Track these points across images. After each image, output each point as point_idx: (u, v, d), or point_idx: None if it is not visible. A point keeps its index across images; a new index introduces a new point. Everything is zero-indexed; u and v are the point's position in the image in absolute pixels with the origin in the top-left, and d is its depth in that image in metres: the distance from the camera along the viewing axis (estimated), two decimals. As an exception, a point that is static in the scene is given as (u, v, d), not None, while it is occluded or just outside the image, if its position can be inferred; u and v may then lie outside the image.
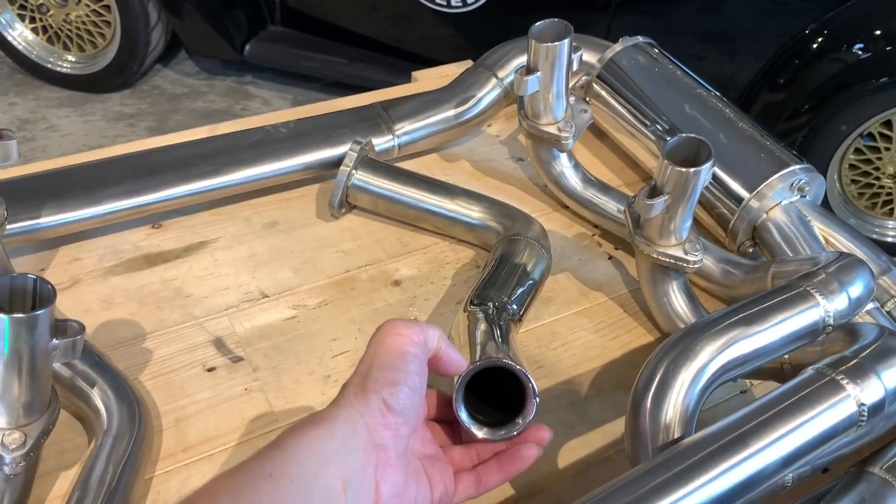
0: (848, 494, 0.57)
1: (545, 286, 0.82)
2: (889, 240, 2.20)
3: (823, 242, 0.80)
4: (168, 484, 0.63)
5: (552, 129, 0.85)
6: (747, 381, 0.75)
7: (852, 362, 0.52)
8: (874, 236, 2.20)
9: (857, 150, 2.11)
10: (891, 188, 2.15)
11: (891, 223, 2.20)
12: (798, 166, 0.82)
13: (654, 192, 0.70)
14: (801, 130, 2.09)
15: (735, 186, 0.83)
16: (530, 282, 0.74)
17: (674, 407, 0.52)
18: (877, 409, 0.51)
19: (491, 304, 0.68)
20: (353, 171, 0.83)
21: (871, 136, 2.10)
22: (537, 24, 0.79)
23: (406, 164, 0.95)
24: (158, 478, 0.63)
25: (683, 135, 0.68)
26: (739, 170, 0.84)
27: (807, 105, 2.08)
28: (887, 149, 2.08)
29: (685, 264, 0.73)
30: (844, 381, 0.50)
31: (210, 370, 0.71)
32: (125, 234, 0.83)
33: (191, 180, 0.83)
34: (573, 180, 0.89)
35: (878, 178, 2.14)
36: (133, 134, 2.47)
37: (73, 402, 0.65)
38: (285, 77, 2.72)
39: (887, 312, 0.76)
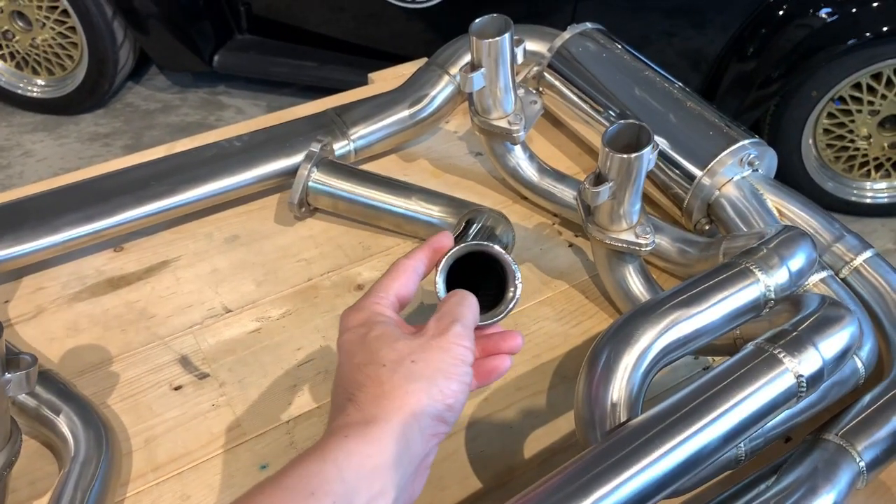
0: (802, 463, 0.58)
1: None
2: (867, 201, 2.21)
3: (777, 214, 0.81)
4: (139, 504, 0.64)
5: (503, 123, 0.86)
6: (709, 357, 0.76)
7: (791, 335, 0.53)
8: (853, 198, 2.21)
9: (830, 115, 2.12)
10: (866, 150, 2.16)
11: (868, 184, 2.21)
12: (747, 141, 0.83)
13: (599, 179, 0.70)
14: (773, 99, 2.09)
15: (687, 165, 0.84)
16: (500, 244, 0.75)
17: (618, 391, 0.53)
18: (815, 379, 0.52)
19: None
20: (313, 169, 0.84)
21: (842, 99, 2.11)
22: (477, 20, 0.79)
23: (364, 167, 0.95)
24: (130, 499, 0.64)
25: (623, 121, 0.69)
26: (690, 149, 0.84)
27: (777, 73, 2.08)
28: (859, 111, 2.09)
29: (638, 248, 0.74)
30: (782, 355, 0.51)
31: (177, 388, 0.72)
32: (88, 259, 0.84)
33: (147, 201, 0.83)
34: (529, 171, 0.90)
35: (852, 141, 2.15)
36: (109, 153, 2.46)
37: (41, 432, 0.66)
38: (258, 84, 2.72)
39: (842, 279, 0.77)
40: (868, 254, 0.77)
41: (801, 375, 0.51)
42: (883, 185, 2.21)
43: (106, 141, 2.53)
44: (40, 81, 2.54)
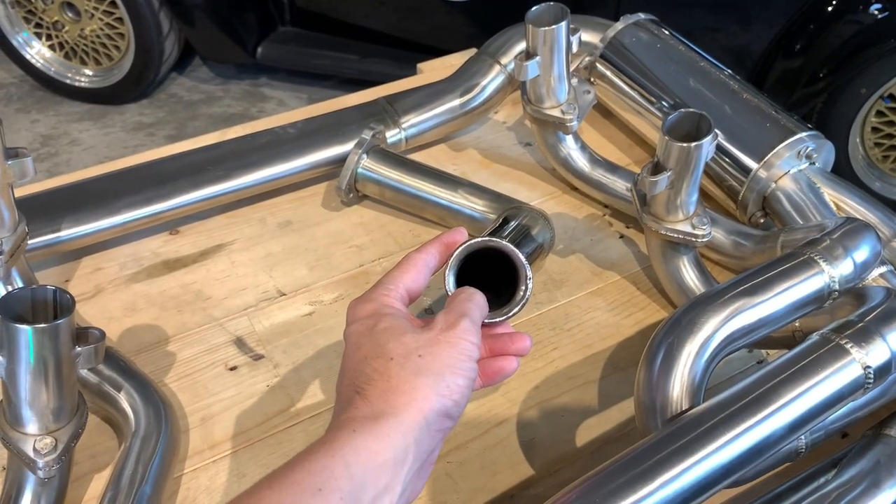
0: (864, 457, 0.57)
1: (556, 269, 0.83)
2: (914, 200, 2.17)
3: (834, 208, 0.80)
4: (197, 481, 0.65)
5: (556, 112, 0.86)
6: (763, 351, 0.75)
7: (858, 326, 0.52)
8: (898, 197, 2.17)
9: (879, 113, 2.08)
10: (915, 148, 2.11)
11: (914, 183, 2.16)
12: (805, 133, 0.82)
13: (657, 168, 0.70)
14: (820, 96, 2.06)
15: (743, 158, 0.83)
16: (534, 244, 0.74)
17: (680, 379, 0.52)
18: (883, 370, 0.51)
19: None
20: (363, 155, 0.85)
21: (892, 97, 2.06)
22: (534, 8, 0.79)
23: (414, 157, 0.96)
24: (188, 475, 0.65)
25: (683, 110, 0.69)
26: (746, 141, 0.83)
27: (824, 70, 2.05)
28: (909, 109, 2.05)
29: (694, 239, 0.73)
30: (849, 345, 0.50)
31: (232, 369, 0.73)
32: (144, 241, 0.85)
33: (203, 186, 0.84)
34: (580, 162, 0.90)
35: (901, 140, 2.11)
36: (152, 143, 2.50)
37: (102, 407, 0.67)
38: (299, 77, 2.74)
39: (901, 276, 0.75)
40: (929, 249, 0.75)
41: (868, 366, 0.50)
42: (931, 184, 2.16)
43: (150, 131, 2.56)
44: (88, 71, 2.58)
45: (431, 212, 0.86)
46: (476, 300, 0.53)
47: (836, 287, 0.57)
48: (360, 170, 0.85)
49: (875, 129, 2.10)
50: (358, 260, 0.84)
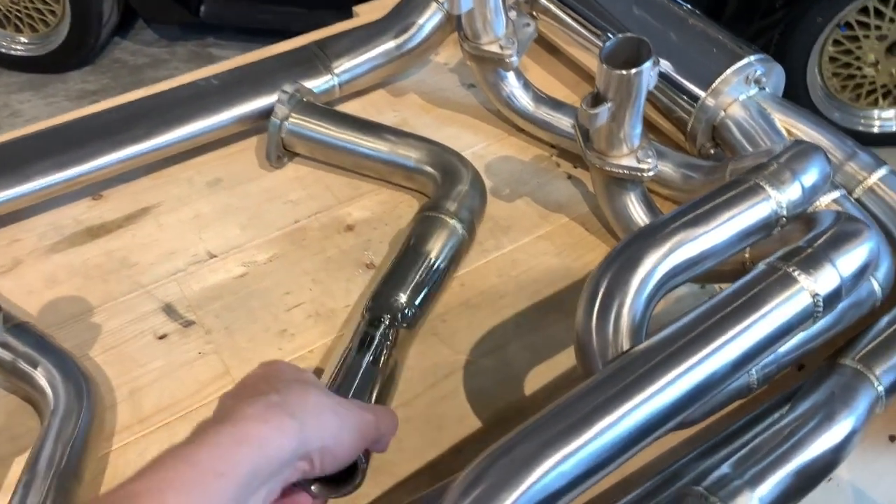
0: (818, 389, 0.55)
1: (502, 214, 0.80)
2: (875, 130, 2.15)
3: (786, 134, 0.77)
4: (126, 457, 0.62)
5: (494, 48, 0.81)
6: (717, 286, 0.72)
7: (806, 252, 0.49)
8: (860, 128, 2.15)
9: (836, 42, 2.05)
10: (873, 77, 2.09)
11: (876, 112, 2.15)
12: (753, 57, 0.78)
13: (597, 100, 0.66)
14: (777, 27, 2.02)
15: (689, 86, 0.79)
16: (436, 271, 0.68)
17: (621, 318, 0.49)
18: (833, 298, 0.48)
19: (384, 318, 0.64)
20: (283, 123, 0.80)
21: (848, 25, 2.03)
22: (462, -64, 0.74)
23: (351, 104, 0.91)
24: (115, 452, 0.62)
25: (622, 35, 0.64)
26: (693, 68, 0.80)
27: (780, 0, 2.01)
28: (866, 36, 2.02)
29: (639, 173, 0.70)
30: (796, 273, 0.48)
31: (161, 337, 0.69)
32: (65, 208, 0.80)
33: (123, 146, 0.79)
34: (523, 100, 0.85)
35: (859, 69, 2.08)
36: (98, 111, 2.41)
37: (19, 386, 0.63)
38: (247, 35, 2.64)
39: (855, 199, 0.73)
40: (882, 171, 0.73)
41: (817, 294, 0.48)
42: (891, 112, 2.14)
43: (95, 98, 2.46)
44: (23, 39, 2.47)
45: (367, 168, 0.81)
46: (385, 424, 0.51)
47: (784, 213, 0.54)
48: (287, 127, 0.80)
49: (833, 59, 2.07)
50: (293, 216, 0.80)
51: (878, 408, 0.57)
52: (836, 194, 0.71)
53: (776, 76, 0.81)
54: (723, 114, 0.78)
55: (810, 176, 0.55)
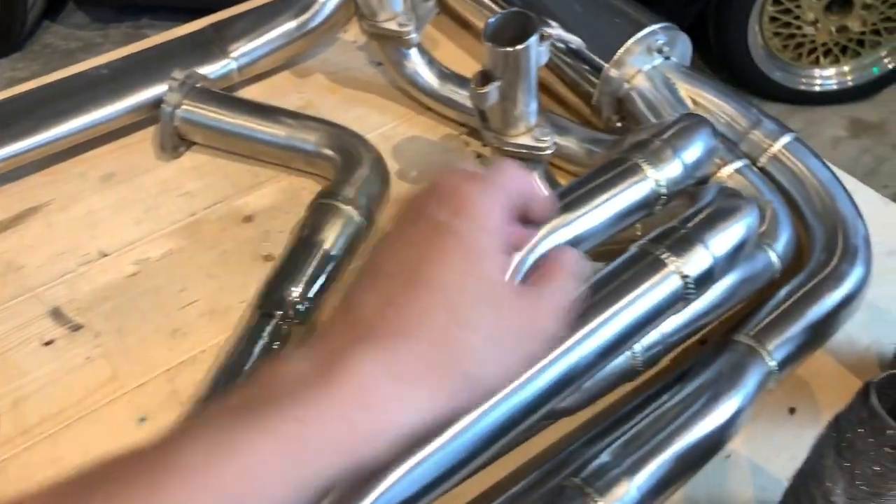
0: (707, 368, 0.54)
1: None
2: (817, 89, 2.16)
3: (691, 104, 0.75)
4: (6, 473, 0.59)
5: (391, 26, 0.78)
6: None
7: (678, 233, 0.48)
8: (802, 87, 2.16)
9: (776, 2, 2.04)
10: (813, 36, 2.09)
11: (817, 71, 2.15)
12: (656, 25, 0.76)
13: (486, 78, 0.64)
14: (717, -13, 2.01)
15: (593, 58, 0.77)
16: (332, 262, 0.66)
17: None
18: (705, 278, 0.47)
19: (275, 314, 0.61)
20: (175, 110, 0.76)
21: (787, -17, 2.03)
22: None
23: (253, 88, 0.88)
24: (-4, 467, 0.59)
25: (506, 10, 0.62)
26: (596, 40, 0.77)
27: (719, -40, 2.00)
28: (805, -6, 2.01)
29: (538, 152, 0.68)
30: (665, 256, 0.46)
31: (48, 343, 0.67)
32: (-51, 211, 0.76)
33: (9, 141, 0.76)
34: (428, 78, 0.83)
35: (799, 28, 2.08)
36: (30, 99, 2.33)
37: None
38: (183, 14, 2.57)
39: (760, 168, 0.72)
40: (787, 138, 0.72)
41: (687, 276, 0.46)
42: (831, 71, 2.15)
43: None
44: (-53, 27, 2.38)
45: (266, 153, 0.78)
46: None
47: (664, 191, 0.52)
48: (180, 115, 0.77)
49: (773, 19, 2.06)
50: (189, 208, 0.77)
51: (771, 383, 0.56)
52: (738, 164, 0.70)
53: (682, 45, 0.79)
54: (626, 85, 0.76)
55: (692, 152, 0.54)
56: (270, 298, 0.63)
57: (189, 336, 0.67)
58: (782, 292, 0.61)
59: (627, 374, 0.52)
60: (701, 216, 0.49)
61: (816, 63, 2.14)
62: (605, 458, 0.47)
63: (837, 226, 0.66)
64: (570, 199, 0.50)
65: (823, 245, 0.66)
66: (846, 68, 2.14)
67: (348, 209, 0.68)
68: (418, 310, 0.30)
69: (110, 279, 0.71)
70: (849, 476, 0.42)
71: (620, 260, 0.48)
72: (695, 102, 0.75)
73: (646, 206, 0.51)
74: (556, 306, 0.34)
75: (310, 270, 0.64)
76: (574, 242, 0.50)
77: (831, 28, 2.08)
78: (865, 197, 0.76)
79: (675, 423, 0.48)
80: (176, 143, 0.79)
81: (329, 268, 0.65)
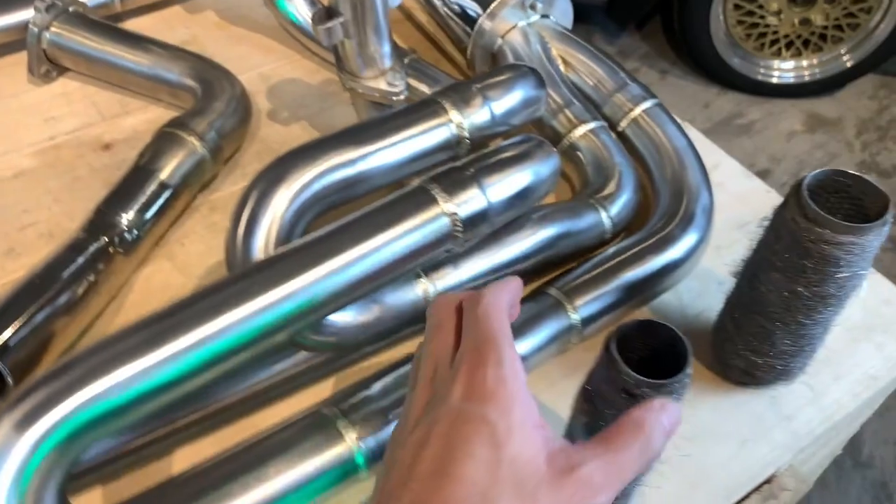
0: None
1: (276, 138, 0.77)
2: (774, 80, 2.15)
3: (562, 64, 0.75)
4: None
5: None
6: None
7: (461, 174, 0.47)
8: (759, 77, 2.15)
9: (742, -11, 2.03)
10: (776, 26, 2.08)
11: (776, 63, 2.14)
12: (533, -19, 0.75)
13: (329, 14, 0.63)
14: (682, -30, 1.99)
15: (469, 8, 0.76)
16: (166, 191, 0.65)
17: (264, 237, 0.47)
18: (475, 220, 0.47)
19: (100, 238, 0.60)
20: (43, 33, 0.75)
21: (752, -29, 2.01)
22: None
23: (142, 19, 0.87)
24: None
25: (349, -56, 0.61)
26: (474, -8, 0.77)
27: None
28: (768, -17, 2.00)
29: (390, 97, 0.67)
30: (437, 192, 0.46)
31: None
32: None
33: None
34: (304, 16, 0.82)
35: (762, 17, 2.07)
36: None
37: None
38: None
39: (620, 131, 0.71)
40: (648, 104, 0.71)
41: (455, 215, 0.46)
42: (790, 64, 2.14)
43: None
44: None
45: (132, 81, 0.77)
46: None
47: (466, 136, 0.52)
48: (45, 43, 0.76)
49: (737, 7, 2.05)
50: (50, 133, 0.76)
51: (574, 338, 0.56)
52: (592, 125, 0.70)
53: (562, 5, 0.78)
54: (500, 41, 0.75)
55: (506, 101, 0.53)
56: (99, 221, 0.62)
57: (22, 256, 0.66)
58: (609, 251, 0.61)
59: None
60: (489, 160, 0.48)
61: (779, 55, 2.13)
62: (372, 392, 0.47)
63: (683, 193, 0.66)
64: (365, 134, 0.50)
65: (665, 211, 0.65)
66: (805, 63, 2.13)
67: (192, 140, 0.67)
68: None
69: (-46, 196, 0.70)
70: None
71: (398, 193, 0.47)
72: (565, 62, 0.75)
73: (447, 148, 0.51)
74: (609, 482, 0.30)
75: (143, 198, 0.64)
76: (359, 179, 0.49)
77: (794, 20, 2.07)
78: (730, 169, 0.75)
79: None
80: (46, 67, 0.78)
81: (163, 197, 0.65)
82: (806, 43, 2.10)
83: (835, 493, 1.44)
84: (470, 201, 0.46)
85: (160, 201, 0.64)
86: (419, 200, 0.45)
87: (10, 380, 0.48)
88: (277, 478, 0.42)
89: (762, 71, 2.13)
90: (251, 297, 0.41)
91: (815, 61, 2.12)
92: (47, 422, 0.37)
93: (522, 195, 0.48)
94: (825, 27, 2.06)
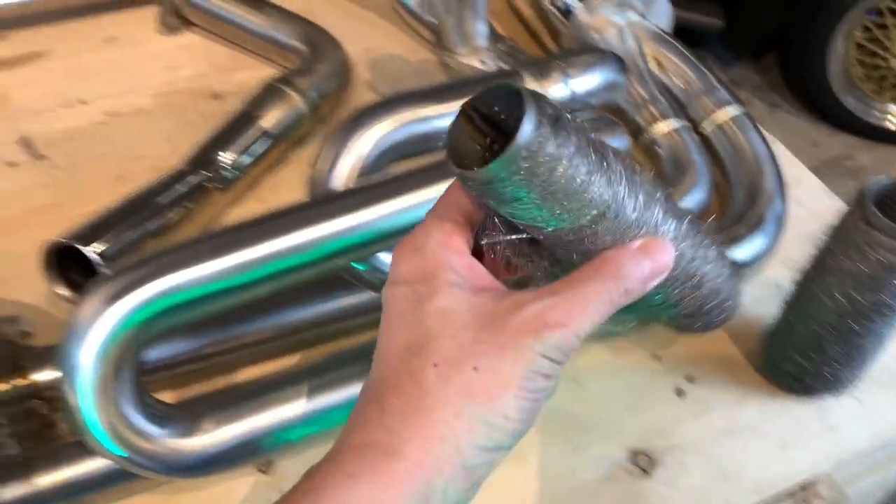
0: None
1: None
2: (889, 125, 2.07)
3: (655, 64, 0.76)
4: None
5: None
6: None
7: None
8: (873, 120, 2.07)
9: (866, 29, 1.96)
10: (898, 70, 2.00)
11: (893, 108, 2.05)
12: (634, -19, 0.77)
13: (433, -12, 0.67)
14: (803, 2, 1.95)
15: (571, 4, 0.79)
16: (266, 138, 0.70)
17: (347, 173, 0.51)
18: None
19: (200, 172, 0.65)
20: None
21: (879, 12, 1.94)
22: None
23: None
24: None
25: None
26: (577, -13, 0.79)
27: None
28: None
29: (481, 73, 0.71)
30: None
31: (11, 164, 0.74)
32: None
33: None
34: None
35: (885, 59, 1.99)
36: None
37: None
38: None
39: (703, 134, 0.72)
40: (734, 110, 0.72)
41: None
42: (909, 111, 2.05)
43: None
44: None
45: (248, 41, 0.84)
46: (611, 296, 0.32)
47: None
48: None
49: (860, 46, 1.99)
50: (167, 78, 0.83)
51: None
52: (675, 124, 0.71)
53: (661, 9, 0.80)
54: (595, 35, 0.77)
55: (584, 81, 0.55)
56: (201, 157, 0.68)
57: (130, 183, 0.72)
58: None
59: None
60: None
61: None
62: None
63: (757, 197, 0.67)
64: (444, 94, 0.53)
65: (736, 212, 0.66)
66: (926, 112, 2.04)
67: (295, 96, 0.72)
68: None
69: (81, 123, 0.78)
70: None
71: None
72: (658, 63, 0.76)
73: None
74: (569, 317, 0.31)
75: (243, 141, 0.69)
76: (437, 135, 0.53)
77: (919, 65, 1.99)
78: (811, 186, 0.75)
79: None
80: (175, 21, 0.85)
81: (262, 143, 0.70)
82: (930, 91, 2.02)
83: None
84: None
85: (258, 146, 0.70)
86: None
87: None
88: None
89: (877, 114, 2.06)
90: (325, 219, 0.45)
91: (937, 111, 2.03)
92: (130, 301, 0.42)
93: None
94: (951, 75, 1.98)
